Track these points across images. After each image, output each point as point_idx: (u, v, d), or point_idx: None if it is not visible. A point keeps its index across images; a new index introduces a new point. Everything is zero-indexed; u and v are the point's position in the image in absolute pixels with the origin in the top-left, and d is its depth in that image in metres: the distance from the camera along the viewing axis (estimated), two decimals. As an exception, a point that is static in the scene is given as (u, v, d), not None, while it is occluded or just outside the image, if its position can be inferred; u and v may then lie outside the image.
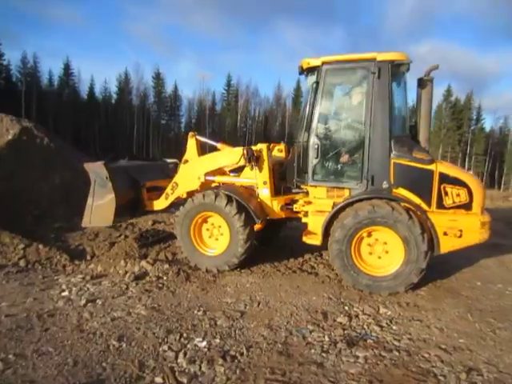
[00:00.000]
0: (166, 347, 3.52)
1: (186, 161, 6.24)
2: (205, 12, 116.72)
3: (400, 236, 4.70)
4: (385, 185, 4.94)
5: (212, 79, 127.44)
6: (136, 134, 56.42)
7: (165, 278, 5.33)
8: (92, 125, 52.76)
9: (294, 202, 5.81)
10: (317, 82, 5.21)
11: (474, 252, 6.17)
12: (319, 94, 5.21)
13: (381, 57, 4.86)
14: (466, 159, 59.53)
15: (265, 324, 4.09)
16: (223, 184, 5.92)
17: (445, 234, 4.70)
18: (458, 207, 4.76)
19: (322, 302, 4.65)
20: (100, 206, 5.83)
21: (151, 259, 5.88)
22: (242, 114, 67.68)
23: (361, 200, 4.94)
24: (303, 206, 5.68)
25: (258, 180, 5.72)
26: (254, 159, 5.58)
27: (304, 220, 5.71)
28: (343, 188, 5.28)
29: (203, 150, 6.49)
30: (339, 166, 5.23)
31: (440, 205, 4.79)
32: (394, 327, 4.07)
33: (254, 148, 5.67)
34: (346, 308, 4.52)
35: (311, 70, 5.40)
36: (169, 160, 7.80)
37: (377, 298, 4.79)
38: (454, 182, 4.75)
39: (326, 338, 3.82)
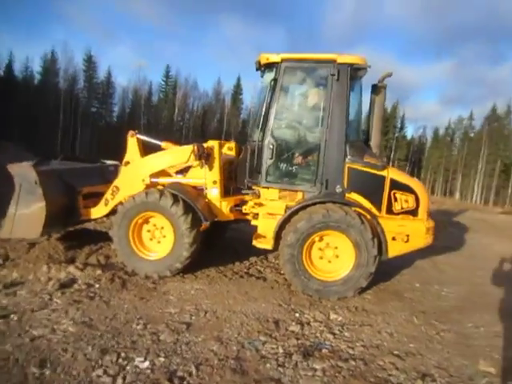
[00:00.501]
0: (100, 371, 3.01)
1: (128, 162, 5.63)
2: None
3: (351, 240, 4.64)
4: (338, 189, 4.87)
5: (149, 69, 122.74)
6: (62, 119, 51.94)
7: (97, 285, 4.73)
8: (8, 107, 47.25)
9: (244, 203, 5.53)
10: (275, 80, 4.97)
11: (409, 253, 6.42)
12: (277, 91, 4.98)
13: (341, 59, 4.76)
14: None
15: (214, 337, 3.75)
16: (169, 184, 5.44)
17: (393, 238, 4.75)
18: (406, 213, 4.84)
19: (272, 310, 4.42)
20: (25, 216, 4.97)
21: (80, 263, 5.22)
22: (179, 107, 65.76)
23: (314, 204, 4.80)
24: (253, 207, 5.42)
25: (208, 179, 5.34)
26: (204, 156, 5.18)
27: (254, 222, 5.46)
28: (296, 191, 5.12)
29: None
30: (294, 168, 5.06)
31: (389, 210, 4.83)
32: (347, 334, 3.98)
33: (205, 145, 5.27)
34: (297, 315, 4.35)
35: (269, 67, 5.14)
36: (109, 162, 7.04)
37: (326, 304, 4.69)
38: (404, 188, 4.81)
39: (281, 350, 3.59)
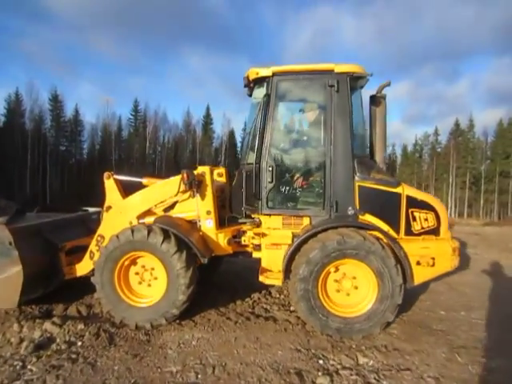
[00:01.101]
0: None
1: (109, 207, 4.98)
2: (105, 34, 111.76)
3: (372, 269, 4.12)
4: (350, 211, 4.38)
5: (117, 104, 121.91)
6: (30, 159, 50.07)
7: (79, 343, 3.97)
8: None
9: (241, 234, 4.94)
10: (267, 96, 4.54)
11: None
12: (270, 108, 4.54)
13: (339, 68, 4.40)
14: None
15: (229, 401, 3.08)
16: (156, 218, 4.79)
17: (418, 263, 4.26)
18: (427, 233, 4.39)
19: (291, 357, 3.78)
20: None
21: (58, 318, 4.42)
22: (150, 141, 65.00)
23: (325, 230, 4.28)
24: (253, 238, 4.85)
25: (201, 210, 4.74)
26: (195, 185, 4.61)
27: (256, 255, 4.86)
28: (302, 216, 4.59)
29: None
30: (298, 191, 4.55)
31: (408, 231, 4.37)
32: (385, 382, 3.38)
33: (194, 172, 4.71)
34: (321, 362, 3.72)
35: (260, 82, 4.72)
36: (91, 209, 6.32)
37: (350, 344, 4.08)
38: (422, 205, 4.38)
39: (313, 412, 2.95)
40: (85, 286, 4.95)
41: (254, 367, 3.59)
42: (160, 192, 4.87)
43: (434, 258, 4.27)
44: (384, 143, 4.88)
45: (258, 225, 4.91)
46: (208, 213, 4.73)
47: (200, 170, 4.79)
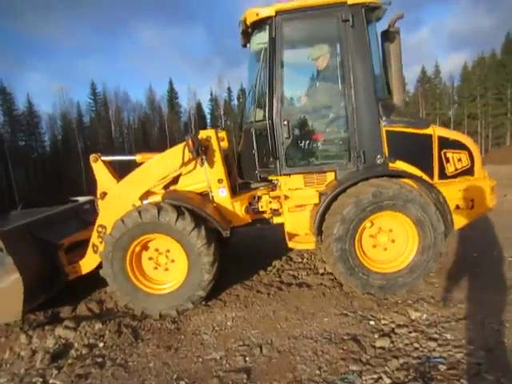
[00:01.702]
0: None
1: (104, 193, 4.37)
2: (45, 17, 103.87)
3: (411, 219, 3.79)
4: (379, 159, 3.99)
5: (73, 90, 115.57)
6: (-11, 161, 46.98)
7: (101, 344, 3.51)
8: None
9: (256, 200, 4.50)
10: (272, 39, 3.97)
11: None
12: (277, 54, 3.99)
13: (352, 0, 3.87)
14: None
15: (291, 381, 2.74)
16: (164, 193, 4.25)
17: (457, 207, 3.97)
18: (461, 174, 4.09)
19: (339, 323, 3.47)
20: None
21: (69, 320, 3.93)
22: (115, 123, 62.16)
23: (355, 183, 3.89)
24: (271, 203, 4.42)
25: (211, 179, 4.23)
26: (202, 151, 4.07)
27: (277, 220, 4.45)
28: (325, 172, 4.17)
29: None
30: (319, 145, 4.10)
31: (442, 174, 4.05)
32: (449, 336, 3.12)
33: (199, 136, 4.16)
34: (372, 323, 3.43)
35: (259, 26, 4.13)
36: (81, 199, 5.63)
37: (395, 300, 3.81)
38: (454, 145, 4.05)
39: (387, 380, 2.65)
40: (88, 281, 4.42)
41: (304, 340, 3.26)
42: (162, 166, 4.30)
43: (472, 200, 3.99)
44: (402, 83, 4.44)
45: (274, 188, 4.48)
46: (220, 181, 4.23)
47: (204, 134, 4.23)
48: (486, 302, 3.59)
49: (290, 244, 4.06)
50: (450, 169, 4.04)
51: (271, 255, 5.37)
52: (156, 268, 4.05)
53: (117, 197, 4.31)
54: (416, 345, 3.03)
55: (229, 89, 65.47)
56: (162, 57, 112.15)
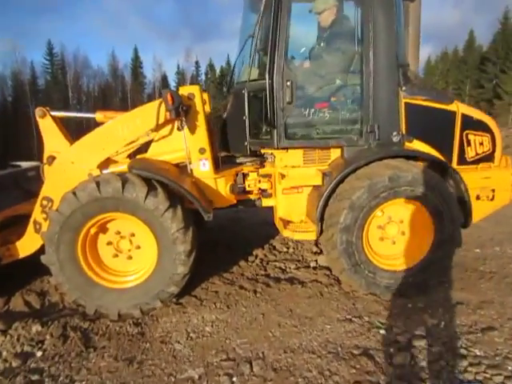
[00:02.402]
0: None
1: (52, 157, 3.43)
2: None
3: (429, 208, 3.22)
4: (395, 137, 3.36)
5: (27, 49, 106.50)
6: None
7: (39, 354, 2.72)
8: None
9: (242, 178, 3.75)
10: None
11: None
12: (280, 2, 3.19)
13: None
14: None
15: (296, 415, 2.09)
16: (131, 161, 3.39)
17: (477, 197, 3.45)
18: (480, 160, 3.56)
19: (344, 332, 2.86)
20: None
21: (-2, 318, 3.04)
22: (72, 89, 58.02)
23: (367, 163, 3.24)
24: (260, 182, 3.70)
25: (191, 147, 3.42)
26: (183, 111, 3.23)
27: (266, 203, 3.75)
28: (329, 148, 3.49)
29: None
30: (326, 114, 3.38)
31: (462, 159, 3.51)
32: (477, 351, 2.59)
33: (180, 92, 3.30)
34: (383, 332, 2.86)
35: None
36: (25, 164, 4.55)
37: (403, 303, 3.26)
38: (478, 126, 3.50)
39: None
40: (28, 266, 3.50)
41: (304, 354, 2.62)
42: (129, 127, 3.41)
43: (493, 190, 3.49)
44: (418, 49, 3.82)
45: (262, 164, 3.76)
46: (202, 151, 3.43)
47: (186, 90, 3.38)
48: (509, 306, 3.12)
49: (286, 233, 3.37)
50: (470, 153, 3.50)
51: (251, 242, 4.68)
52: (116, 256, 3.23)
53: (68, 162, 3.39)
54: (442, 363, 2.48)
55: (197, 63, 62.93)
56: (126, 23, 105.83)
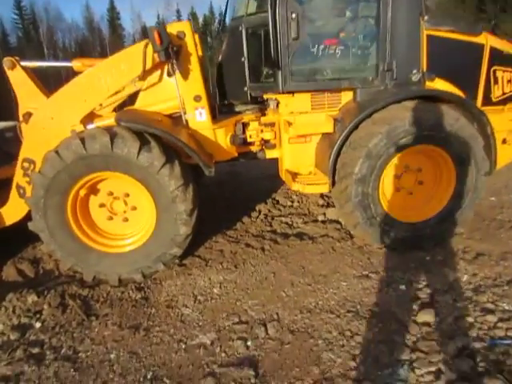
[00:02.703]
0: None
1: (29, 114, 3.02)
2: None
3: (452, 155, 2.95)
4: (415, 75, 3.00)
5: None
6: None
7: (37, 325, 2.52)
8: None
9: (241, 128, 3.40)
10: None
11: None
12: None
13: None
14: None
15: (318, 380, 1.95)
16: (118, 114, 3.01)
17: (504, 141, 3.18)
18: (507, 100, 3.24)
19: (362, 289, 2.70)
20: None
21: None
22: (47, 46, 54.65)
23: (383, 107, 2.91)
24: (262, 131, 3.36)
25: (185, 95, 3.03)
26: (173, 52, 2.81)
27: (270, 154, 3.45)
28: (340, 91, 3.13)
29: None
30: (337, 51, 2.98)
31: (487, 99, 3.19)
32: (506, 305, 2.44)
33: (168, 30, 2.85)
34: (403, 288, 2.71)
35: None
36: (0, 124, 4.06)
37: (421, 256, 3.08)
38: (508, 61, 3.14)
39: (452, 376, 1.94)
40: (18, 232, 3.22)
41: (322, 314, 2.45)
42: (113, 75, 2.98)
43: (520, 134, 3.21)
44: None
45: (263, 112, 3.41)
46: (197, 99, 3.05)
47: (175, 28, 2.93)
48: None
49: (295, 186, 3.09)
50: (496, 92, 3.18)
51: (252, 197, 4.43)
52: (111, 218, 2.96)
53: (47, 118, 3.00)
54: (470, 319, 2.33)
55: (178, 11, 59.15)
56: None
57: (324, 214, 3.83)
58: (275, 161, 3.58)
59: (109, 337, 2.37)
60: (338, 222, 3.65)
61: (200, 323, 2.44)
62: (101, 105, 3.08)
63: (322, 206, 4.05)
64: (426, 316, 2.38)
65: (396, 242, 3.09)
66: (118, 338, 2.36)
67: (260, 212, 4.04)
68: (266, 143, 3.44)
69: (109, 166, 2.69)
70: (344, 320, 2.38)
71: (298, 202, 4.27)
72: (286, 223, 3.74)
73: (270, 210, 4.08)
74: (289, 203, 4.26)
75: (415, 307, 2.48)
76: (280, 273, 2.89)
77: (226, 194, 4.68)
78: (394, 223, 3.06)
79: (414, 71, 2.98)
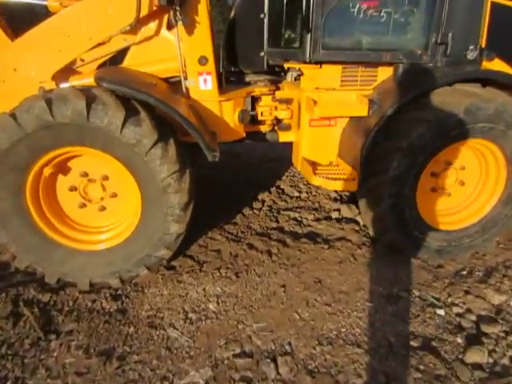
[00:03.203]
0: None
1: None
2: None
3: (506, 154, 2.43)
4: (471, 52, 2.43)
5: None
6: None
7: None
8: None
9: (251, 102, 2.78)
10: None
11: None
12: None
13: None
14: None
15: None
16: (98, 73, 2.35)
17: None
18: None
19: (393, 313, 2.21)
20: None
21: None
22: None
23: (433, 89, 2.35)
24: (276, 109, 2.76)
25: (188, 55, 2.38)
26: (177, -1, 2.15)
27: (284, 137, 2.86)
28: (377, 66, 2.54)
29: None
30: (382, 16, 2.36)
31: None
32: None
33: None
34: (442, 313, 2.22)
35: None
36: None
37: (455, 270, 2.59)
38: None
39: None
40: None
41: (346, 347, 1.96)
42: (97, 20, 2.31)
43: None
44: None
45: (277, 86, 2.80)
46: (202, 61, 2.41)
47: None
48: None
49: (316, 180, 2.52)
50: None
51: (254, 183, 3.86)
52: (84, 206, 2.34)
53: (9, 69, 2.32)
54: (529, 361, 1.87)
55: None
56: None
57: (338, 210, 3.29)
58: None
59: (71, 367, 1.82)
60: (355, 221, 3.13)
61: (191, 352, 1.91)
62: (82, 60, 2.41)
63: (335, 200, 3.51)
64: (477, 355, 1.91)
65: (429, 253, 2.60)
66: (83, 369, 1.81)
67: (264, 203, 3.48)
68: (279, 123, 2.85)
69: (83, 139, 2.06)
70: (375, 358, 1.89)
71: (307, 192, 3.72)
72: (295, 219, 3.18)
73: (274, 201, 3.51)
74: (296, 193, 3.69)
75: (460, 341, 2.01)
76: (291, 286, 2.36)
77: (225, 178, 4.07)
78: (429, 230, 2.55)
79: (471, 47, 2.41)
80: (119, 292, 2.32)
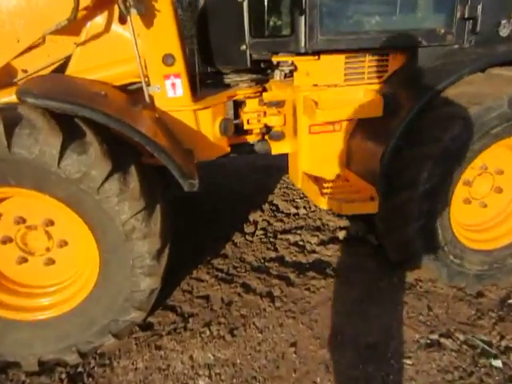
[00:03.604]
0: None
1: None
2: None
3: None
4: (504, 28, 1.95)
5: None
6: None
7: None
8: None
9: (231, 108, 2.25)
10: None
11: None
12: None
13: None
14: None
15: None
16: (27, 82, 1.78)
17: None
18: None
19: (437, 369, 1.71)
20: None
21: None
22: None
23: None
24: (265, 115, 2.25)
25: (149, 54, 1.84)
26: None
27: (277, 149, 2.34)
28: (385, 54, 2.04)
29: None
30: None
31: None
32: None
33: None
34: (499, 364, 1.72)
35: None
36: None
37: (502, 299, 2.11)
38: None
39: None
40: None
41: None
42: (24, 16, 1.74)
43: None
44: None
45: (264, 85, 2.28)
46: (168, 60, 1.86)
47: None
48: None
49: (325, 203, 1.97)
50: None
51: (243, 199, 3.35)
52: (24, 261, 1.77)
53: None
54: None
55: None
56: None
57: (345, 228, 2.78)
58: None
59: None
60: (365, 241, 2.63)
61: None
62: (25, 71, 1.84)
63: (339, 215, 3.00)
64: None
65: (466, 280, 2.11)
66: None
67: (256, 225, 2.94)
68: (270, 132, 2.33)
69: (5, 177, 1.50)
70: None
71: (305, 207, 3.20)
72: (296, 244, 2.65)
73: (269, 222, 2.98)
74: (293, 210, 3.17)
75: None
76: (304, 343, 1.83)
77: (207, 197, 3.52)
78: (466, 253, 2.06)
79: (504, 21, 1.93)
80: (79, 369, 1.75)
